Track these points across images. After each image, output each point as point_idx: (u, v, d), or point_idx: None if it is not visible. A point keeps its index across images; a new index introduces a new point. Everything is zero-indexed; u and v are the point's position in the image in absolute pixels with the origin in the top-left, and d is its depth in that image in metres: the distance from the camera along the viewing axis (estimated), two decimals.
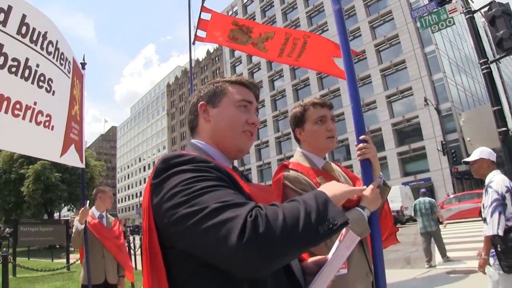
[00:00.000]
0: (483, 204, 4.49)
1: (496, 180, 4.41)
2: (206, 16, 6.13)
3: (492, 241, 4.27)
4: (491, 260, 4.38)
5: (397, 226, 2.84)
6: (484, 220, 4.38)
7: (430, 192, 36.65)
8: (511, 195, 4.25)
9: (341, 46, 2.32)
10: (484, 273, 4.45)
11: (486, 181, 4.52)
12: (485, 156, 4.60)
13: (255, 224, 1.08)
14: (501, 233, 4.12)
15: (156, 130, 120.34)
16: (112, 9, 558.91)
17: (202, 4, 6.31)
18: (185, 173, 1.28)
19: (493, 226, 4.19)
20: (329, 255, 1.48)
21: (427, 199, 12.17)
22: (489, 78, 8.61)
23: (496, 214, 4.19)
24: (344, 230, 1.44)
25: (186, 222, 1.17)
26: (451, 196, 30.90)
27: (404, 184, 41.34)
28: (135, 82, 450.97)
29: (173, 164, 1.33)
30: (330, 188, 1.44)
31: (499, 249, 4.20)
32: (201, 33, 6.17)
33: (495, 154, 4.71)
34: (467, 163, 4.81)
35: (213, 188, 1.22)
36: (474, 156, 4.67)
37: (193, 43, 6.29)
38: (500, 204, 4.21)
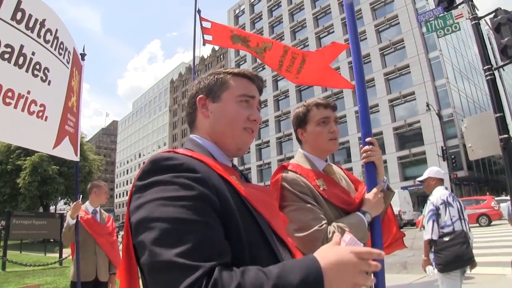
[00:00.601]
0: (423, 214, 5.50)
1: (434, 194, 5.39)
2: (206, 24, 6.28)
3: (429, 245, 5.19)
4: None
5: None
6: (424, 227, 5.36)
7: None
8: (445, 207, 5.15)
9: (351, 42, 2.28)
10: (425, 271, 5.39)
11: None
12: (432, 175, 5.61)
13: None
14: (434, 237, 5.07)
15: (158, 126, 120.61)
16: (119, 3, 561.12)
17: (199, 15, 6.47)
18: (166, 189, 1.18)
19: (427, 232, 5.15)
20: None
21: None
22: (492, 84, 8.61)
23: (430, 222, 5.14)
24: (346, 236, 1.29)
25: (142, 251, 1.12)
26: None
27: (403, 188, 41.43)
28: (139, 77, 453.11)
29: (160, 167, 1.24)
30: (334, 267, 1.09)
31: (433, 251, 5.13)
32: (208, 37, 6.30)
33: (442, 172, 5.76)
34: (420, 181, 5.84)
35: (183, 227, 1.10)
36: (424, 175, 5.70)
37: (204, 45, 6.35)
38: (434, 214, 5.16)
